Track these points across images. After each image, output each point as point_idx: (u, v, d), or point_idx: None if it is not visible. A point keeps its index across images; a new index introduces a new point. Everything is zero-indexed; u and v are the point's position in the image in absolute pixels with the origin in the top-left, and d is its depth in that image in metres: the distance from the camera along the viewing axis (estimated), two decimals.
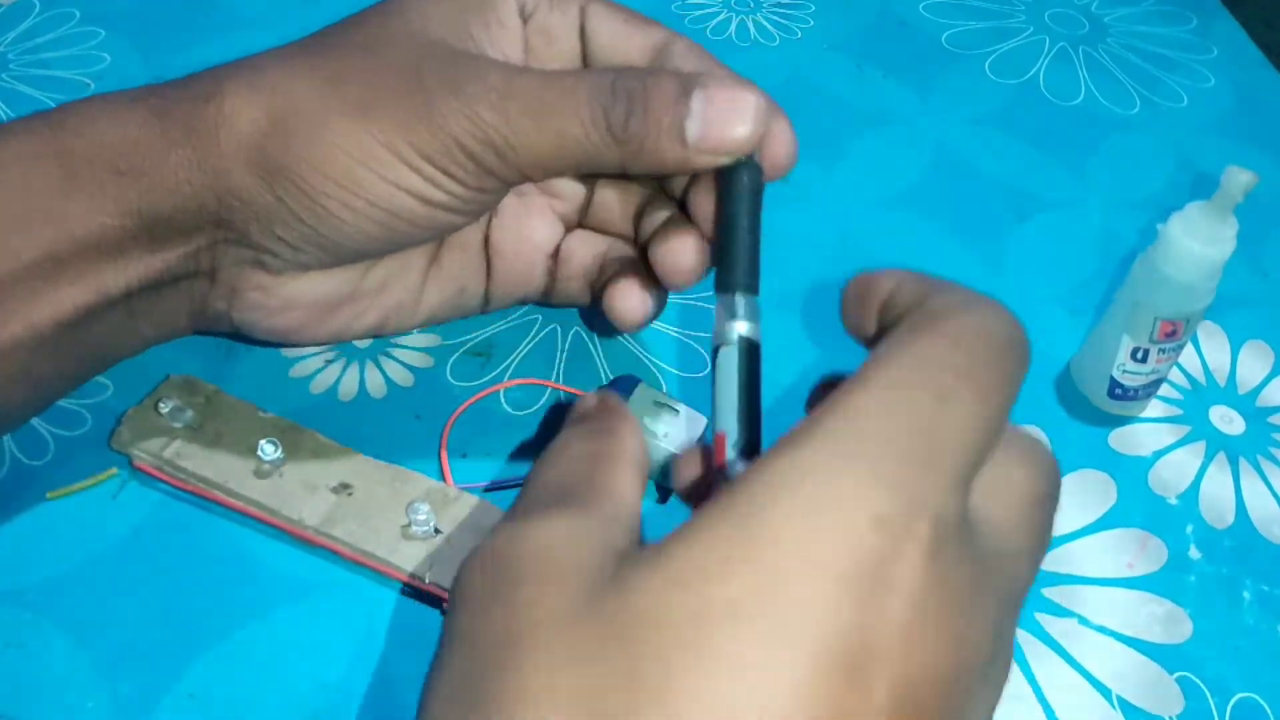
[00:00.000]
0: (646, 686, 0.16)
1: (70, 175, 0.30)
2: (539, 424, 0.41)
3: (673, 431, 0.38)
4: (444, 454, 0.40)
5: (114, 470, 0.38)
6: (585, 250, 0.39)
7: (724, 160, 0.31)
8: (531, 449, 0.40)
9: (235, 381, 0.41)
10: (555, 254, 0.39)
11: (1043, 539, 0.22)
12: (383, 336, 0.35)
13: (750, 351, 0.28)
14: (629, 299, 0.36)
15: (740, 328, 0.28)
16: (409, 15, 0.33)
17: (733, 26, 0.62)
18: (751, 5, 0.64)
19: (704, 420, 0.39)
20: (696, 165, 0.31)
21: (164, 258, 0.32)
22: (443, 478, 0.39)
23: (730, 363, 0.28)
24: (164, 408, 0.38)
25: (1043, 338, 0.46)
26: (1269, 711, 0.35)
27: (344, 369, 0.42)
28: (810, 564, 0.16)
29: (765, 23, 0.63)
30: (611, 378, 0.43)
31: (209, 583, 0.36)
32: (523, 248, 0.38)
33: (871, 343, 0.24)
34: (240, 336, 0.39)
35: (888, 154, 0.55)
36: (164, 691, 0.33)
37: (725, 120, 0.30)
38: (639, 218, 0.38)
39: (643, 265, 0.37)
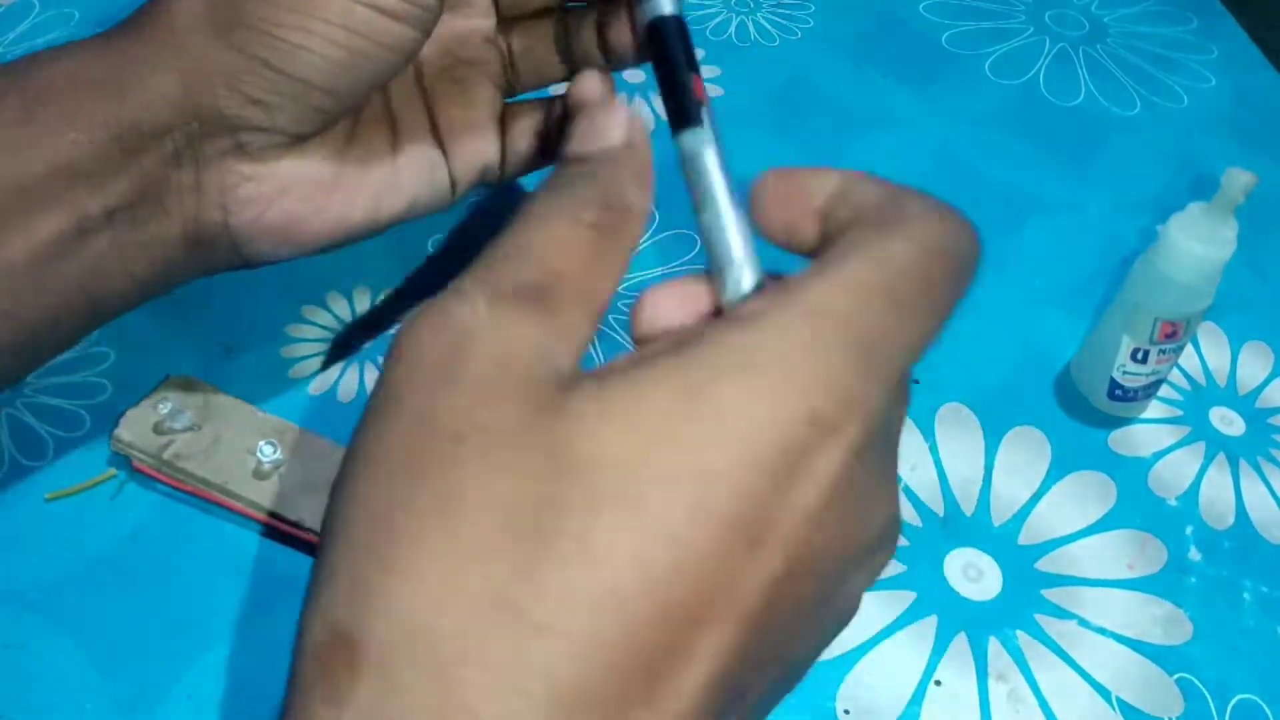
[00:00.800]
0: (569, 527, 0.17)
1: (30, 103, 0.29)
2: None
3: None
4: None
5: (113, 472, 0.38)
6: (527, 115, 0.38)
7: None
8: None
9: (234, 382, 0.41)
10: (502, 123, 0.37)
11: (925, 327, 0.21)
12: (379, 230, 0.34)
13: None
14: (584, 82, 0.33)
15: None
16: None
17: (733, 26, 0.62)
18: (751, 5, 0.64)
19: None
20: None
21: (141, 167, 0.31)
22: None
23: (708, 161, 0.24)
24: (163, 408, 0.38)
25: (1043, 338, 0.46)
26: (1269, 713, 0.35)
27: (344, 369, 0.42)
28: (742, 448, 0.17)
29: (765, 23, 0.63)
30: None
31: (208, 584, 0.36)
32: (471, 116, 0.37)
33: (811, 250, 0.23)
34: (244, 267, 0.36)
35: (888, 154, 0.55)
36: (163, 692, 0.33)
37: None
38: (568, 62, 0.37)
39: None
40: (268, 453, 0.37)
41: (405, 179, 0.36)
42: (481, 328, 0.19)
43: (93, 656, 0.34)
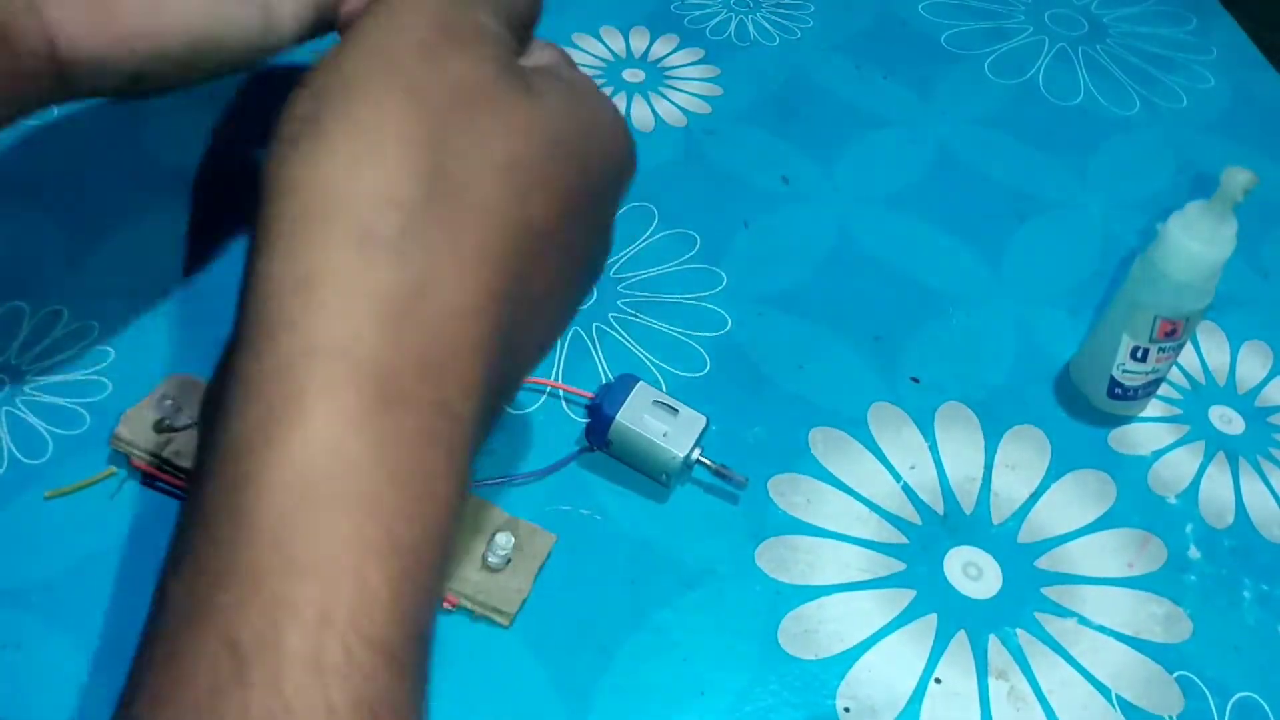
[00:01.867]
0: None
1: None
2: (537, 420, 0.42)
3: (672, 431, 0.38)
4: None
5: (112, 470, 0.38)
6: None
7: None
8: (530, 447, 0.40)
9: None
10: None
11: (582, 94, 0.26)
12: (210, 61, 0.32)
13: None
14: None
15: None
16: None
17: (732, 26, 0.62)
18: (751, 5, 0.64)
19: (703, 420, 0.39)
20: None
21: None
22: None
23: None
24: (163, 407, 0.38)
25: (1042, 337, 0.46)
26: (1269, 711, 0.35)
27: None
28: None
29: (765, 23, 0.63)
30: (610, 376, 0.43)
31: None
32: None
33: None
34: (67, 87, 0.32)
35: (888, 154, 0.55)
36: None
37: None
38: None
39: None
40: None
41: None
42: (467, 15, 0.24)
43: (91, 656, 0.34)
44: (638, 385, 0.39)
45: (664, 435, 0.38)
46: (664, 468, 0.38)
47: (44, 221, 0.47)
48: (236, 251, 0.47)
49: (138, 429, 0.38)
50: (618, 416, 0.38)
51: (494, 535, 0.35)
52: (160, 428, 0.38)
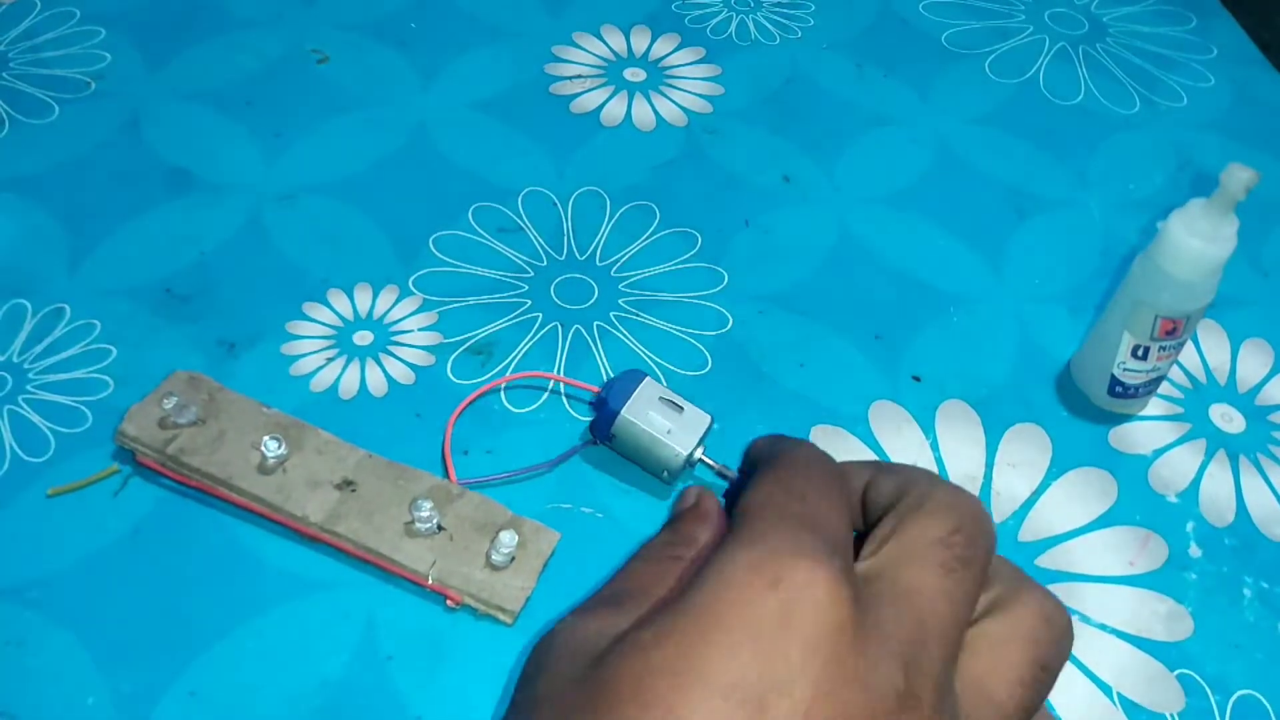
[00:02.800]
0: None
1: None
2: (544, 420, 0.42)
3: (676, 428, 0.38)
4: (447, 451, 0.40)
5: (115, 467, 0.38)
6: None
7: None
8: (532, 446, 0.40)
9: (236, 378, 0.41)
10: None
11: (949, 570, 0.24)
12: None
13: None
14: None
15: None
16: None
17: (733, 26, 0.62)
18: (751, 5, 0.64)
19: (708, 419, 0.39)
20: None
21: None
22: (446, 475, 0.39)
23: None
24: (168, 404, 0.38)
25: (1043, 335, 0.46)
26: (1270, 709, 0.35)
27: (344, 367, 0.42)
28: (720, 626, 0.20)
29: (765, 23, 0.63)
30: (611, 375, 0.43)
31: (209, 581, 0.36)
32: None
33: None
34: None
35: (888, 154, 0.55)
36: (164, 689, 0.33)
37: None
38: None
39: None
40: (272, 448, 0.37)
41: None
42: (564, 628, 0.24)
43: (94, 652, 0.34)
44: (644, 381, 0.39)
45: (668, 432, 0.38)
46: (665, 465, 0.38)
47: (46, 220, 0.47)
48: (236, 250, 0.47)
49: (143, 425, 0.38)
50: (623, 411, 0.38)
51: (498, 533, 0.35)
52: (165, 424, 0.38)
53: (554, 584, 0.36)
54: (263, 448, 0.37)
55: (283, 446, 0.37)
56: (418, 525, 0.36)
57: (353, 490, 0.37)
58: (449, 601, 0.35)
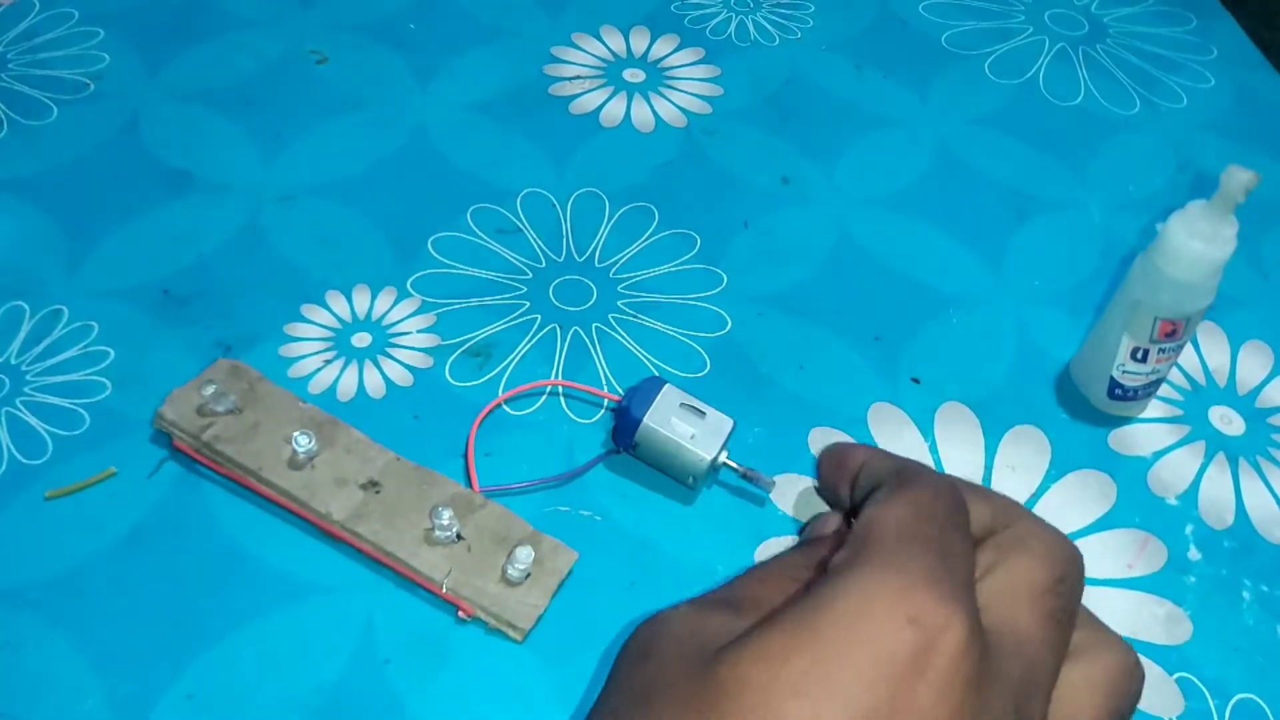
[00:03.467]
0: None
1: None
2: (543, 425, 0.41)
3: (699, 434, 0.38)
4: (471, 459, 0.39)
5: (112, 470, 0.38)
6: None
7: None
8: (532, 449, 0.40)
9: None
10: None
11: (1056, 621, 0.25)
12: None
13: None
14: None
15: None
16: None
17: (732, 26, 0.62)
18: (751, 5, 0.64)
19: (730, 423, 0.39)
20: None
21: None
22: (469, 482, 0.38)
23: None
24: (207, 390, 0.38)
25: (1043, 337, 0.46)
26: (1269, 712, 0.35)
27: (343, 369, 0.42)
28: (855, 652, 0.20)
29: (765, 23, 0.63)
30: (610, 376, 0.43)
31: (207, 583, 0.36)
32: None
33: (851, 508, 0.29)
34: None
35: (888, 154, 0.55)
36: (161, 692, 0.33)
37: None
38: None
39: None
40: (303, 443, 0.37)
41: None
42: (679, 618, 0.24)
43: (91, 656, 0.34)
44: (665, 387, 0.39)
45: (691, 438, 0.38)
46: (690, 471, 0.38)
47: (44, 221, 0.47)
48: (234, 252, 0.47)
49: (181, 410, 0.38)
50: (645, 419, 0.38)
51: (515, 548, 0.35)
52: (203, 411, 0.38)
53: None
54: (293, 443, 0.37)
55: (313, 442, 0.37)
56: (437, 533, 0.35)
57: (377, 492, 0.37)
58: (460, 613, 0.35)
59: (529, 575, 0.35)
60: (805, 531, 0.31)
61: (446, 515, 0.35)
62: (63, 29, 0.58)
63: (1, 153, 0.51)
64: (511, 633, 0.34)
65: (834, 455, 0.31)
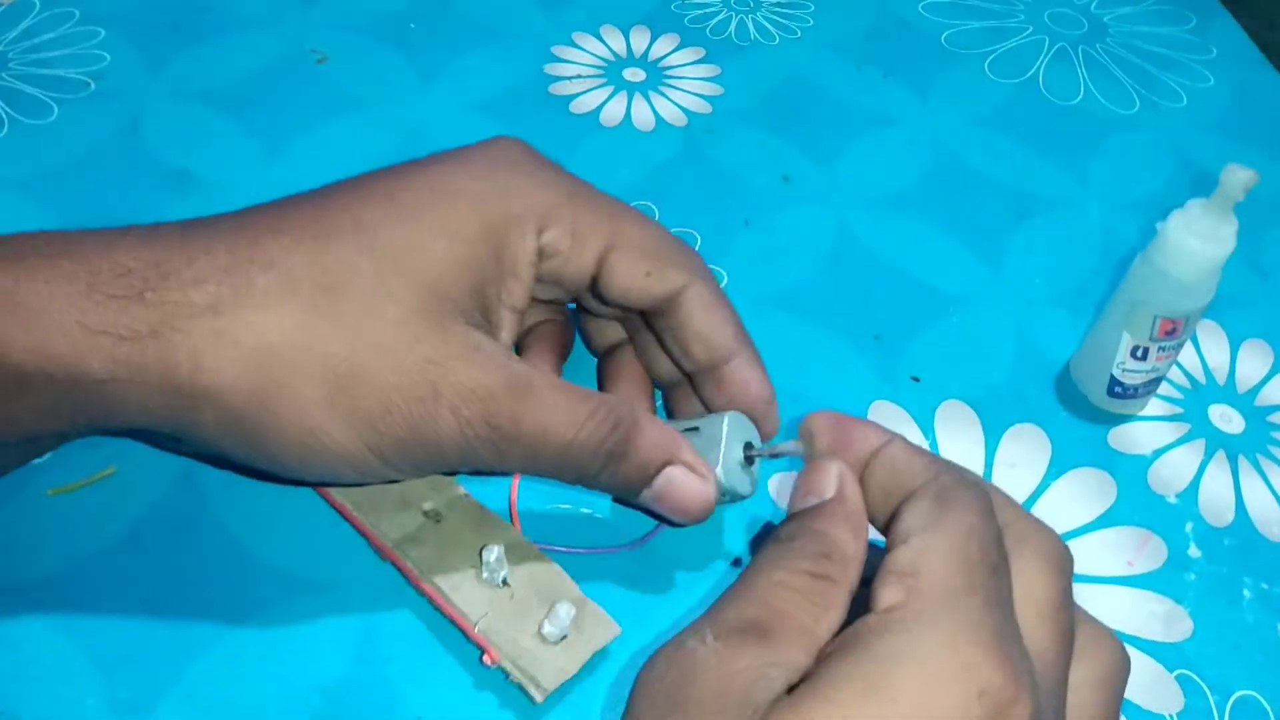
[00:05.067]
0: None
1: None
2: None
3: (701, 448, 0.34)
4: (514, 502, 0.38)
5: (113, 469, 0.38)
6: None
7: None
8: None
9: None
10: None
11: (1069, 636, 0.25)
12: None
13: None
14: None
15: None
16: (420, 246, 0.30)
17: (732, 26, 0.62)
18: (751, 5, 0.64)
19: (723, 418, 0.35)
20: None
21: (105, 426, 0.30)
22: (512, 522, 0.37)
23: None
24: None
25: (1042, 336, 0.46)
26: (1269, 710, 0.35)
27: None
28: None
29: (765, 22, 0.63)
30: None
31: (207, 582, 0.36)
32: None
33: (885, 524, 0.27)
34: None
35: (888, 154, 0.55)
36: (162, 691, 0.33)
37: (677, 502, 0.32)
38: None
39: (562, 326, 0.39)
40: None
41: None
42: (708, 657, 0.23)
43: (92, 654, 0.34)
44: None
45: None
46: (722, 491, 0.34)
47: (45, 220, 0.47)
48: None
49: None
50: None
51: (555, 605, 0.33)
52: None
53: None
54: None
55: None
56: (484, 573, 0.34)
57: (436, 521, 0.36)
58: (485, 658, 0.33)
59: (565, 637, 0.34)
60: (796, 492, 0.28)
61: (494, 555, 0.34)
62: (64, 28, 0.58)
63: (1, 152, 0.51)
64: (533, 690, 0.33)
65: (836, 426, 0.28)
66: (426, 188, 0.31)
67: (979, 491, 0.25)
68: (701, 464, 0.33)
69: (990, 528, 0.24)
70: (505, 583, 0.35)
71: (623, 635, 0.34)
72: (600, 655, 0.34)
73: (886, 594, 0.23)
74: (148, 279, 0.27)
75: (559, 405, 0.30)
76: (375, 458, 0.29)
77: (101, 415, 0.29)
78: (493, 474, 0.36)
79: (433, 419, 0.28)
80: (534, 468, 0.31)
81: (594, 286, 0.35)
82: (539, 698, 0.32)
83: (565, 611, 0.33)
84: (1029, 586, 0.24)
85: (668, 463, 0.32)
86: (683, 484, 0.32)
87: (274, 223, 0.30)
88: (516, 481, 0.38)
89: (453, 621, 0.34)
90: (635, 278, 0.34)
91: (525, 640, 0.33)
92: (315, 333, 0.28)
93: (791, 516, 0.27)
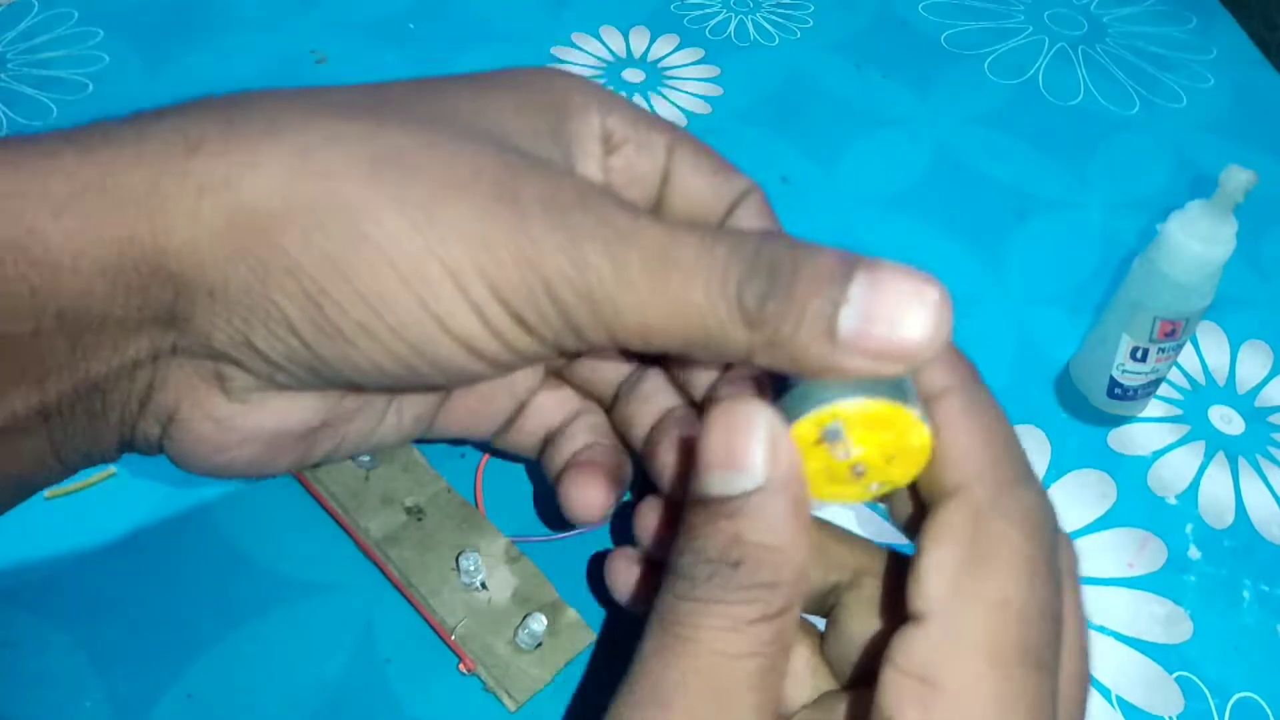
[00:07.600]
0: None
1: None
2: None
3: None
4: (479, 494, 0.38)
5: (112, 470, 0.38)
6: (555, 407, 0.32)
7: (884, 371, 0.21)
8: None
9: None
10: (522, 404, 0.32)
11: (1050, 596, 0.21)
12: (318, 465, 0.31)
13: None
14: (586, 492, 0.29)
15: None
16: (483, 108, 0.25)
17: (732, 26, 0.62)
18: (751, 5, 0.64)
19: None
20: (843, 369, 0.21)
21: (87, 371, 0.23)
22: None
23: None
24: None
25: (1042, 337, 0.46)
26: (1269, 711, 0.35)
27: None
28: None
29: (765, 23, 0.63)
30: None
31: (207, 583, 0.36)
32: (496, 390, 0.32)
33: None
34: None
35: (888, 154, 0.55)
36: (162, 691, 0.33)
37: (895, 315, 0.21)
38: (626, 384, 0.31)
39: (613, 451, 0.31)
40: (363, 457, 0.37)
41: (382, 430, 0.30)
42: None
43: (91, 655, 0.34)
44: None
45: None
46: None
47: None
48: None
49: None
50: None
51: (532, 613, 0.34)
52: None
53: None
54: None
55: (373, 457, 0.37)
56: (462, 577, 0.34)
57: (419, 519, 0.36)
58: (461, 666, 0.33)
59: (540, 645, 0.33)
60: (701, 455, 0.22)
61: (473, 562, 0.34)
62: (62, 29, 0.58)
63: None
64: (507, 701, 0.33)
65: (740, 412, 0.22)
66: (478, 80, 0.27)
67: (1031, 524, 0.21)
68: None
69: (1038, 593, 0.20)
70: (484, 586, 0.35)
71: (598, 639, 0.35)
72: (575, 662, 0.34)
73: (916, 648, 0.20)
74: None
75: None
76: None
77: (94, 345, 0.23)
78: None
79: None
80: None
81: (662, 192, 0.30)
82: (512, 708, 0.33)
83: (538, 622, 0.33)
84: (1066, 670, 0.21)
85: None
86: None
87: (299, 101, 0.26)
88: (483, 465, 0.38)
89: (432, 627, 0.34)
90: (706, 174, 0.30)
91: (500, 648, 0.33)
92: (379, 140, 0.23)
93: (694, 515, 0.22)
